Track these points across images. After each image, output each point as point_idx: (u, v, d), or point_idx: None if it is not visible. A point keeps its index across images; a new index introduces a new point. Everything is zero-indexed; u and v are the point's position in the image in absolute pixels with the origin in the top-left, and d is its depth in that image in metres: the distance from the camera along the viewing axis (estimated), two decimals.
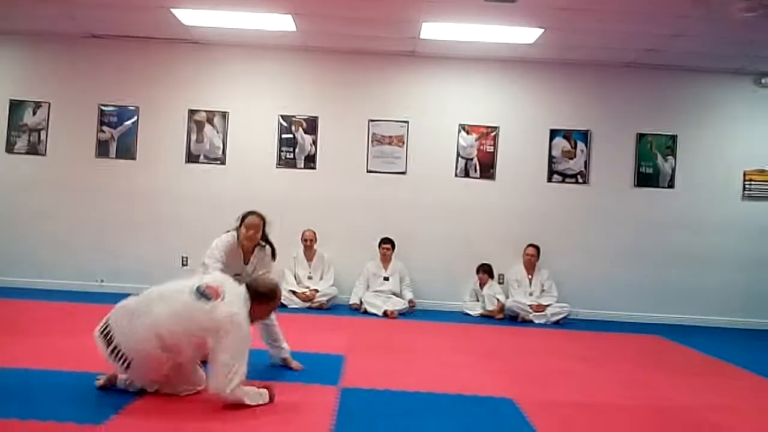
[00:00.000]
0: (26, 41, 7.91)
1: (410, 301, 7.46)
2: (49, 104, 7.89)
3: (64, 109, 7.90)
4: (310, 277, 7.63)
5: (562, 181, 8.02)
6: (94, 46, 7.91)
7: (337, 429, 3.21)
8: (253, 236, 4.32)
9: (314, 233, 7.67)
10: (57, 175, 7.87)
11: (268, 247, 4.47)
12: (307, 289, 7.46)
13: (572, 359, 5.45)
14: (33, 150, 7.90)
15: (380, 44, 7.60)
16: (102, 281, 7.69)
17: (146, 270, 7.25)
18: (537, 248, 7.66)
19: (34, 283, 7.66)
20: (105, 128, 7.94)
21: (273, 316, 4.25)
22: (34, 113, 7.91)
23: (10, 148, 7.88)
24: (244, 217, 4.37)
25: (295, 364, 4.43)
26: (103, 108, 7.92)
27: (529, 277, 7.66)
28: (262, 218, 4.39)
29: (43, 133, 7.91)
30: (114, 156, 7.93)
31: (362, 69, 8.00)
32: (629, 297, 7.91)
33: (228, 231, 4.44)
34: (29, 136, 7.90)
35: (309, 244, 7.64)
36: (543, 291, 7.59)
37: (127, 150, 7.93)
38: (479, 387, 4.25)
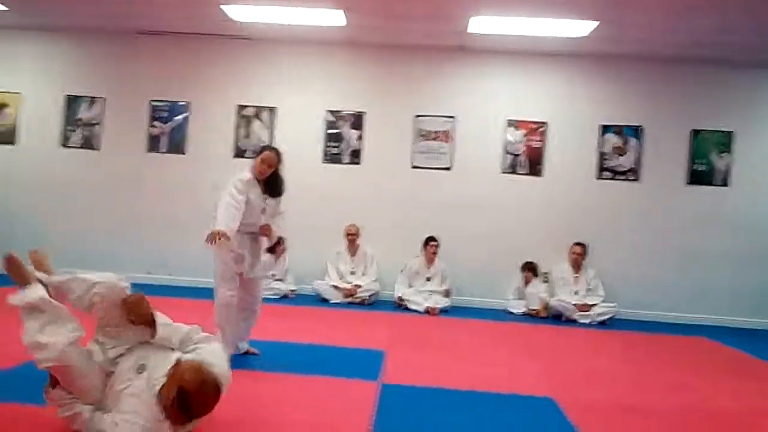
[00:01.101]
0: (82, 38, 8.14)
1: (446, 291, 7.43)
2: (104, 100, 8.11)
3: (118, 104, 8.11)
4: (352, 273, 7.65)
5: (612, 178, 7.85)
6: (146, 43, 8.08)
7: (377, 424, 3.21)
8: (265, 170, 4.42)
9: (357, 228, 7.69)
10: (110, 170, 8.08)
11: (279, 198, 4.57)
12: (349, 285, 7.48)
13: (616, 360, 5.34)
14: (87, 144, 8.13)
15: (428, 39, 7.56)
16: (149, 273, 7.85)
17: (194, 263, 7.40)
18: (584, 246, 7.52)
19: None
20: (156, 123, 8.11)
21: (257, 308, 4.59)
22: (89, 108, 8.14)
23: (65, 143, 8.13)
24: (261, 151, 4.51)
25: (253, 350, 4.61)
26: (154, 104, 8.10)
27: (576, 275, 7.52)
28: (278, 154, 4.48)
29: (97, 128, 8.13)
30: (165, 151, 8.10)
31: (410, 64, 7.97)
32: (677, 298, 7.70)
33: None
34: (84, 130, 8.14)
35: (352, 239, 7.66)
36: (589, 290, 7.45)
37: (177, 145, 8.09)
38: (520, 386, 4.20)
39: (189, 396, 2.50)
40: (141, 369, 2.78)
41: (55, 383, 2.79)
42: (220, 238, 3.99)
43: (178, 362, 2.65)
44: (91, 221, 8.02)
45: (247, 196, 4.35)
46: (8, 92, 8.17)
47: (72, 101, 8.13)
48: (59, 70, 8.19)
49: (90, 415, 2.75)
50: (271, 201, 4.52)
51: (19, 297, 2.78)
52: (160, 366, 2.71)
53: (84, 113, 8.13)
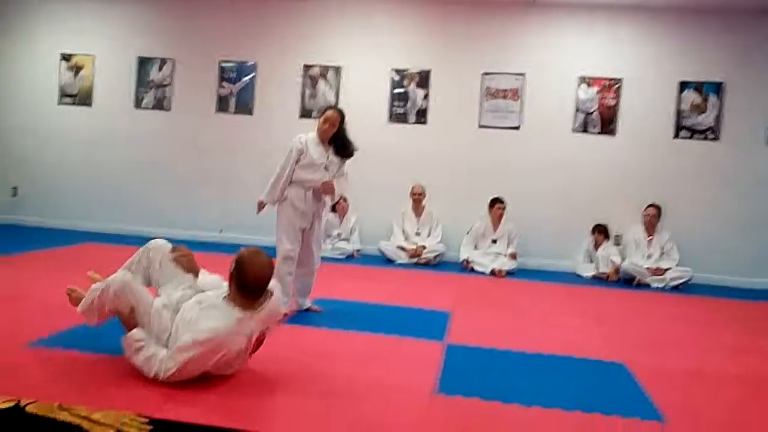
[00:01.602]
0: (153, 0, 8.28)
1: (512, 254, 7.31)
2: (173, 61, 8.24)
3: (188, 65, 8.23)
4: (417, 233, 7.62)
5: (691, 137, 7.50)
6: (215, 3, 8.14)
7: (442, 384, 3.20)
8: (327, 129, 4.46)
9: (423, 188, 7.63)
10: (180, 130, 8.26)
11: (343, 158, 4.61)
12: (414, 245, 7.46)
13: (690, 325, 5.16)
14: (159, 105, 8.31)
15: None
16: (221, 231, 8.04)
17: (262, 222, 7.50)
18: (658, 208, 7.25)
19: (156, 232, 8.13)
20: (225, 84, 8.20)
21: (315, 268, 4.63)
22: (160, 70, 8.29)
23: (138, 104, 8.33)
24: (324, 111, 4.55)
25: (315, 307, 4.66)
26: (223, 64, 8.18)
27: (649, 238, 7.27)
28: (341, 114, 4.51)
29: (168, 90, 8.29)
30: (233, 111, 8.20)
31: (478, 20, 7.76)
32: (757, 262, 7.35)
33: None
34: (155, 92, 8.31)
35: (417, 199, 7.61)
36: (663, 254, 7.20)
37: (245, 105, 8.18)
38: (589, 350, 4.10)
39: (244, 263, 2.94)
40: (201, 302, 3.06)
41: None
42: (260, 210, 4.56)
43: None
44: (164, 180, 8.24)
45: (309, 154, 4.45)
46: (84, 55, 8.40)
47: (144, 63, 8.30)
48: (131, 32, 8.36)
49: (165, 355, 2.87)
50: (334, 159, 4.55)
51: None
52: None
53: (155, 75, 8.30)
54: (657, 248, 7.22)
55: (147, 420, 2.46)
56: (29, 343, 3.35)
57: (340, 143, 4.54)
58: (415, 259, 7.37)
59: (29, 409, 2.48)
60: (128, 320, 3.06)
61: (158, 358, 2.87)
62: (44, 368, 3.02)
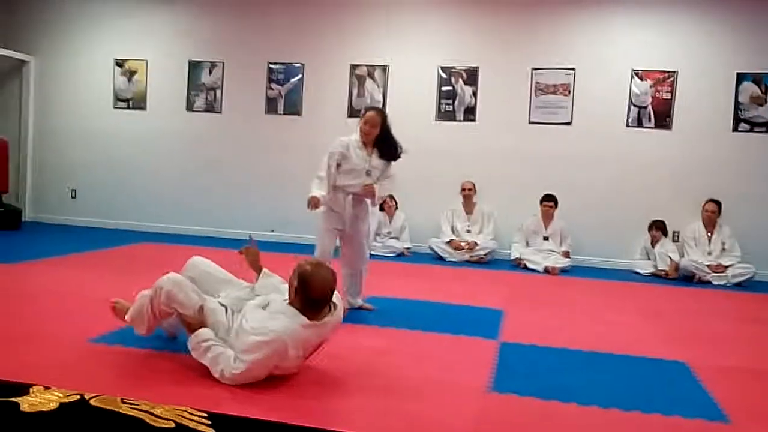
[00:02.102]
0: (203, 3, 8.41)
1: (565, 252, 7.19)
2: (223, 63, 8.37)
3: (237, 68, 8.35)
4: (468, 231, 7.55)
5: (750, 130, 7.24)
6: (262, 6, 8.24)
7: (496, 382, 3.16)
8: (369, 131, 4.30)
9: (473, 184, 7.56)
10: (231, 132, 8.38)
11: (388, 160, 4.44)
12: (466, 242, 7.40)
13: (754, 323, 4.98)
14: (210, 108, 8.45)
15: None
16: (273, 231, 8.13)
17: (310, 222, 7.55)
18: (718, 204, 7.02)
19: (208, 231, 8.30)
20: (273, 85, 8.29)
21: (364, 267, 4.58)
22: (210, 73, 8.43)
23: (190, 107, 8.49)
24: (365, 113, 4.38)
25: (367, 305, 4.63)
26: (271, 66, 8.27)
27: (709, 234, 7.05)
28: (382, 114, 4.36)
29: (218, 92, 8.43)
30: (282, 112, 8.28)
31: (526, 14, 7.66)
32: None
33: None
34: (206, 94, 8.46)
35: (468, 195, 7.54)
36: (723, 250, 6.97)
37: (293, 106, 8.25)
38: (648, 348, 3.99)
39: (308, 278, 2.90)
40: (266, 306, 3.06)
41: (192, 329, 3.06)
42: (312, 205, 4.27)
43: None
44: (216, 181, 8.38)
45: (351, 159, 4.33)
46: (137, 59, 8.61)
47: (194, 66, 8.45)
48: (181, 36, 8.52)
49: (232, 354, 2.87)
50: (377, 162, 4.39)
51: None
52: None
53: (206, 77, 8.44)
54: (717, 245, 6.99)
55: (206, 414, 2.49)
56: (89, 339, 3.43)
57: (384, 146, 4.39)
58: (467, 256, 7.30)
59: (93, 402, 2.54)
60: (187, 320, 3.08)
61: (225, 356, 2.88)
62: (106, 363, 3.09)
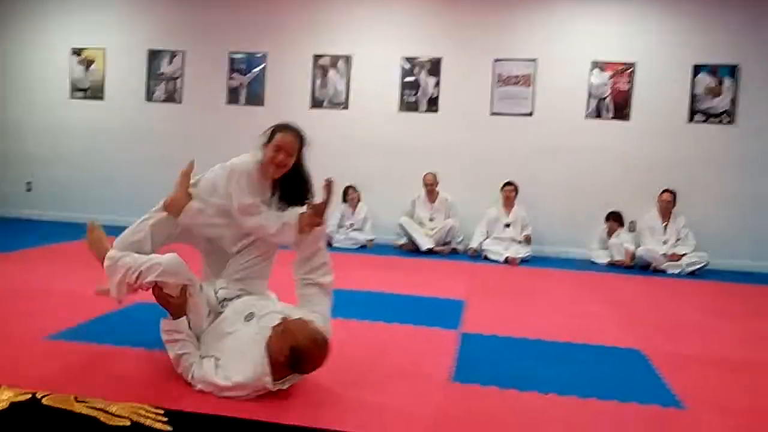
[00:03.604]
0: None
1: (526, 237, 7.27)
2: (184, 53, 8.24)
3: (198, 57, 8.23)
4: (431, 219, 7.56)
5: (705, 121, 7.40)
6: None
7: (457, 373, 3.18)
8: (282, 161, 2.98)
9: (435, 176, 7.57)
10: (191, 123, 8.27)
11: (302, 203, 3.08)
12: (431, 230, 7.43)
13: (707, 312, 5.10)
14: (170, 98, 8.31)
15: None
16: None
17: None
18: (673, 194, 7.17)
19: None
20: (235, 75, 8.19)
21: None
22: (170, 62, 8.29)
23: (149, 97, 8.34)
24: (273, 132, 3.02)
25: None
26: (233, 55, 8.16)
27: (664, 224, 7.20)
28: (300, 137, 3.05)
29: (179, 82, 8.29)
30: (243, 103, 8.19)
31: (488, 5, 7.70)
32: None
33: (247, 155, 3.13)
34: (166, 84, 8.31)
35: (430, 188, 7.56)
36: (678, 239, 7.13)
37: (255, 96, 8.16)
38: (605, 337, 4.07)
39: (302, 356, 2.60)
40: (249, 317, 2.88)
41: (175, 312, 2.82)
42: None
43: (285, 320, 2.72)
44: (175, 173, 8.20)
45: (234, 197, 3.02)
46: (95, 48, 8.41)
47: (154, 56, 8.30)
48: (141, 24, 8.36)
49: (197, 361, 2.76)
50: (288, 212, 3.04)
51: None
52: (267, 316, 2.83)
53: (166, 67, 8.29)
54: (673, 234, 7.15)
55: (163, 411, 2.46)
56: (46, 336, 3.36)
57: (291, 183, 3.09)
58: (431, 245, 7.31)
59: (45, 401, 2.49)
60: (166, 297, 2.81)
61: (191, 362, 2.76)
62: (61, 361, 3.02)
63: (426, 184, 7.56)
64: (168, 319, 2.83)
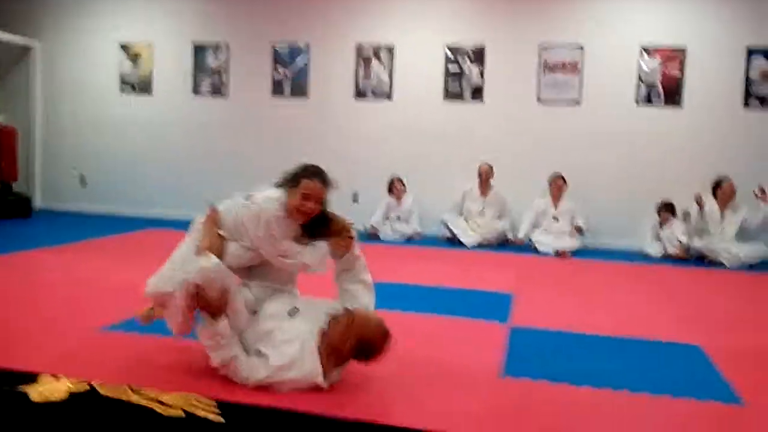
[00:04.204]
0: None
1: (577, 227, 7.09)
2: (228, 45, 8.30)
3: (242, 50, 8.28)
4: (481, 213, 7.46)
5: (761, 106, 7.14)
6: None
7: (507, 367, 3.14)
8: (310, 210, 2.89)
9: (490, 167, 7.42)
10: (237, 115, 8.33)
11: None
12: (477, 225, 7.33)
13: (765, 305, 4.93)
14: (216, 91, 8.40)
15: None
16: None
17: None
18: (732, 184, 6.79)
19: None
20: (279, 68, 8.22)
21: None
22: (215, 55, 8.37)
23: (196, 90, 8.44)
24: (298, 176, 2.91)
25: None
26: (276, 47, 8.20)
27: (722, 214, 6.89)
28: (326, 182, 2.94)
29: (224, 75, 8.37)
30: (288, 95, 8.22)
31: None
32: None
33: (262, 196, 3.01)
34: (212, 78, 8.40)
35: (485, 177, 7.42)
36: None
37: (300, 88, 8.18)
38: (661, 332, 3.96)
39: (370, 346, 2.69)
40: (293, 312, 2.86)
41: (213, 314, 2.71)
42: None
43: (349, 312, 2.79)
44: (223, 165, 8.31)
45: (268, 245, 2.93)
46: (142, 43, 8.55)
47: (199, 49, 8.39)
48: (187, 18, 8.44)
49: (244, 360, 2.72)
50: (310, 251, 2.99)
51: None
52: (312, 312, 2.85)
53: (211, 61, 8.38)
54: (731, 225, 6.85)
55: (215, 403, 2.49)
56: (101, 328, 3.44)
57: (316, 223, 3.00)
58: (479, 238, 7.23)
59: (102, 391, 2.54)
60: (205, 299, 2.70)
61: (240, 363, 2.71)
62: (116, 352, 3.09)
63: (480, 174, 7.42)
64: (206, 326, 2.71)
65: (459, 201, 7.51)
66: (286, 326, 2.79)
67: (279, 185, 2.97)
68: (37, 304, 3.96)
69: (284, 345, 2.71)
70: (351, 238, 3.04)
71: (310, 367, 2.68)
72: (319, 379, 2.68)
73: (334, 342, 2.71)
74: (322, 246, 3.00)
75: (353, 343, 2.67)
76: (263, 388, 2.67)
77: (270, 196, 2.92)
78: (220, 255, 2.82)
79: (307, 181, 2.86)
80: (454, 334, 3.72)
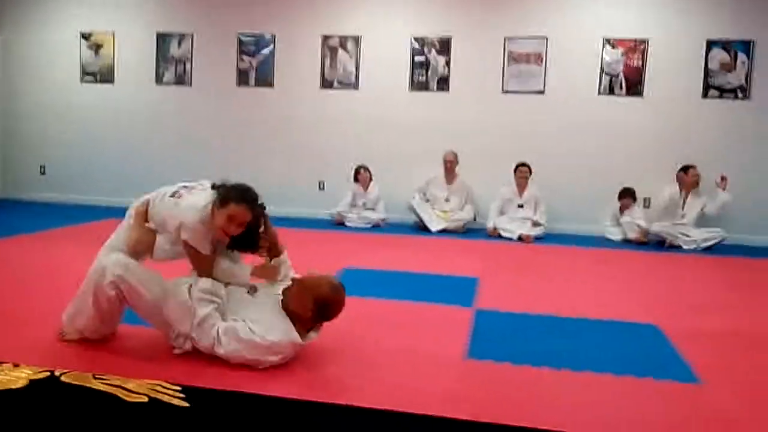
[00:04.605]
0: None
1: (535, 223, 7.22)
2: (192, 35, 8.20)
3: (206, 40, 8.19)
4: (447, 200, 7.52)
5: (720, 96, 7.31)
6: None
7: (472, 349, 3.18)
8: (233, 232, 2.89)
9: (455, 155, 7.48)
10: (202, 105, 8.25)
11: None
12: (443, 212, 7.40)
13: (723, 287, 5.08)
14: (180, 81, 8.29)
15: None
16: None
17: (285, 194, 7.59)
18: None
19: None
20: (244, 57, 8.15)
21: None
22: (179, 45, 8.26)
23: (159, 80, 8.33)
24: (227, 198, 2.88)
25: None
26: (241, 37, 8.12)
27: (683, 200, 7.05)
28: (254, 210, 2.92)
29: (188, 64, 8.27)
30: (253, 84, 8.16)
31: None
32: None
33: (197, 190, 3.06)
34: (176, 67, 8.30)
35: (450, 166, 7.49)
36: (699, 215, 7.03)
37: (265, 78, 8.13)
38: (621, 312, 4.05)
39: (328, 304, 2.82)
40: (252, 290, 3.00)
41: None
42: None
43: (297, 279, 2.92)
44: (187, 155, 8.23)
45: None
46: (103, 32, 8.40)
47: (162, 39, 8.28)
48: (150, 7, 8.32)
49: (221, 324, 2.78)
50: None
51: None
52: (267, 288, 3.04)
53: (175, 50, 8.27)
54: (691, 210, 7.03)
55: (180, 388, 2.48)
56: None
57: (242, 238, 2.98)
58: (445, 224, 7.29)
59: (64, 378, 2.51)
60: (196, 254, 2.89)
61: (216, 323, 2.78)
62: (78, 340, 3.04)
63: (445, 161, 7.48)
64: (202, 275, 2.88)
65: (423, 186, 7.56)
66: (256, 303, 2.90)
67: (212, 196, 2.94)
68: None
69: (256, 314, 2.82)
70: (274, 267, 3.11)
71: (285, 326, 2.78)
72: (293, 335, 2.77)
73: (294, 310, 2.83)
74: (245, 271, 3.05)
75: (311, 305, 2.79)
76: (228, 372, 2.67)
77: (195, 205, 2.88)
78: (149, 249, 2.98)
79: (234, 205, 2.84)
80: (420, 318, 3.76)
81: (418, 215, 7.37)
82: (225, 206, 2.84)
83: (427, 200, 7.53)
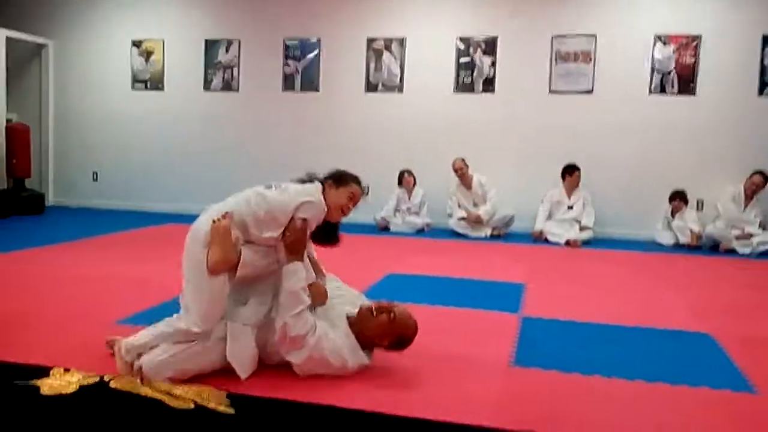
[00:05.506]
0: None
1: (583, 228, 7.06)
2: (239, 41, 8.32)
3: (253, 45, 8.30)
4: (475, 204, 7.41)
5: None
6: None
7: (518, 356, 3.13)
8: (348, 211, 2.90)
9: (463, 160, 7.36)
10: (249, 110, 8.36)
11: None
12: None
13: None
14: (227, 86, 8.42)
15: None
16: None
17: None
18: (765, 177, 6.74)
19: None
20: (290, 62, 8.23)
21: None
22: (226, 51, 8.39)
23: (207, 86, 8.47)
24: (344, 178, 2.92)
25: None
26: (287, 42, 8.20)
27: (745, 205, 6.81)
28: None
29: (235, 70, 8.39)
30: (299, 89, 8.23)
31: None
32: None
33: (303, 182, 3.02)
34: (223, 73, 8.42)
35: (461, 173, 7.36)
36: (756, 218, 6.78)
37: (310, 82, 8.19)
38: (673, 320, 3.92)
39: (407, 342, 2.84)
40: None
41: None
42: None
43: (384, 306, 2.82)
44: (235, 160, 8.36)
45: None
46: (153, 40, 8.59)
47: (210, 45, 8.42)
48: (198, 15, 8.47)
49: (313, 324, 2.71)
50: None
51: None
52: (335, 303, 2.96)
53: (222, 56, 8.40)
54: (750, 214, 6.78)
55: (226, 394, 2.50)
56: (116, 321, 3.46)
57: (328, 230, 2.96)
58: (483, 232, 7.21)
59: (113, 384, 2.56)
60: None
61: (314, 319, 2.73)
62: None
63: (455, 170, 7.34)
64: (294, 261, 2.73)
65: (454, 198, 7.45)
66: (323, 314, 2.87)
67: (320, 180, 2.94)
68: (52, 300, 3.98)
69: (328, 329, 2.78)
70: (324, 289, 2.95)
71: (354, 346, 2.78)
72: (361, 356, 2.79)
73: (371, 335, 2.81)
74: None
75: (392, 339, 2.79)
76: (275, 380, 2.68)
77: (306, 187, 2.88)
78: (233, 269, 2.67)
79: (354, 184, 2.90)
80: (466, 324, 3.71)
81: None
82: (345, 185, 2.87)
83: (459, 206, 7.42)
